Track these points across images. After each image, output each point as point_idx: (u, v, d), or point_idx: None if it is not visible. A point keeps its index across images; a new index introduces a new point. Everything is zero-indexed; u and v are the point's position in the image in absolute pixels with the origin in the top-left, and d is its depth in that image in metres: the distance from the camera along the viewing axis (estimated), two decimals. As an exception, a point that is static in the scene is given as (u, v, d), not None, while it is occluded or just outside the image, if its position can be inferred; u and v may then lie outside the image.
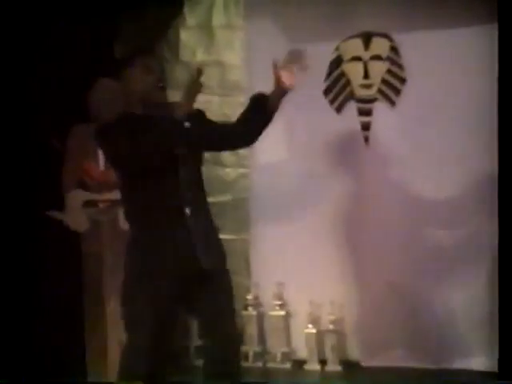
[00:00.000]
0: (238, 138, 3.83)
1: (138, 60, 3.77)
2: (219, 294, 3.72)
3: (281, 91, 3.80)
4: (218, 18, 5.34)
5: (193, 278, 3.66)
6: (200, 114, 3.80)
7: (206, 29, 5.36)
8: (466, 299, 4.73)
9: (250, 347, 5.14)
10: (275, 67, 3.78)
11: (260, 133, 3.81)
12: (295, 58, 3.81)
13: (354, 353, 5.02)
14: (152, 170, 3.62)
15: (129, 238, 3.78)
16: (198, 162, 3.79)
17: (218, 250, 3.77)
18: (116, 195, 4.81)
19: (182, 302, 3.73)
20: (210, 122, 3.85)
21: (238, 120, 3.82)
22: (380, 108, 4.97)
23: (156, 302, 3.63)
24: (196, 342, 5.13)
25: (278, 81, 3.78)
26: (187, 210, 3.63)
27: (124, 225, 4.80)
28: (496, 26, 4.30)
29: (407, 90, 4.89)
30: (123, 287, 3.74)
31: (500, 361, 4.15)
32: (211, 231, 3.77)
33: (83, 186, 5.00)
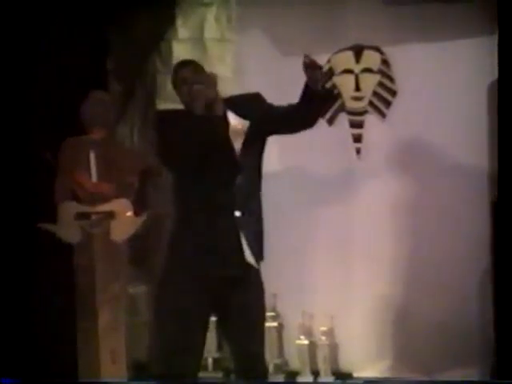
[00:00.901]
0: (298, 121, 3.88)
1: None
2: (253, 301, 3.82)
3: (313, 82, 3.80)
4: (209, 31, 5.35)
5: (230, 280, 3.69)
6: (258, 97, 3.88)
7: (198, 41, 5.38)
8: (457, 310, 4.75)
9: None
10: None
11: (318, 116, 3.90)
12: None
13: (347, 364, 5.03)
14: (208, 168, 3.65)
15: (173, 234, 3.78)
16: (257, 160, 3.84)
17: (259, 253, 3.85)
18: (108, 207, 4.86)
19: (215, 306, 3.75)
20: (270, 105, 3.92)
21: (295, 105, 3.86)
22: (371, 120, 5.02)
23: (191, 303, 3.65)
24: (214, 353, 5.17)
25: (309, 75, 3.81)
26: (237, 213, 3.67)
27: (116, 237, 4.89)
28: (489, 38, 4.38)
29: (398, 103, 4.93)
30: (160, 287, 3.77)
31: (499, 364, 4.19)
32: (258, 233, 3.82)
33: (76, 198, 5.01)
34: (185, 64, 3.85)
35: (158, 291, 3.79)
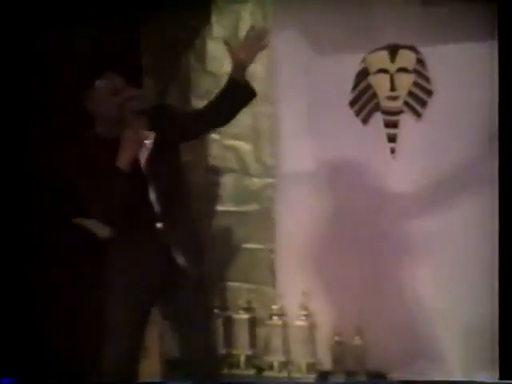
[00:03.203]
0: (211, 120, 3.89)
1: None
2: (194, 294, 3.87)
3: (239, 67, 3.82)
4: (244, 30, 5.33)
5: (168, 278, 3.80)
6: (164, 107, 3.96)
7: (233, 40, 5.36)
8: (490, 311, 4.71)
9: (275, 357, 5.15)
10: (230, 49, 3.83)
11: (233, 113, 3.86)
12: (255, 37, 3.85)
13: (380, 364, 5.02)
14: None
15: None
16: (171, 168, 3.86)
17: (195, 254, 3.88)
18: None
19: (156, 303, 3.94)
20: (177, 110, 4.02)
21: (210, 102, 3.87)
22: (406, 120, 5.00)
23: (132, 303, 3.86)
24: (247, 351, 5.18)
25: (234, 58, 3.82)
26: (159, 225, 3.75)
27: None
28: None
29: (433, 103, 4.91)
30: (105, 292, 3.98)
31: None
32: (189, 238, 3.86)
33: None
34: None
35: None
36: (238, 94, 3.81)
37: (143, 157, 3.77)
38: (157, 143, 3.78)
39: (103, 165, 3.70)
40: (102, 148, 3.75)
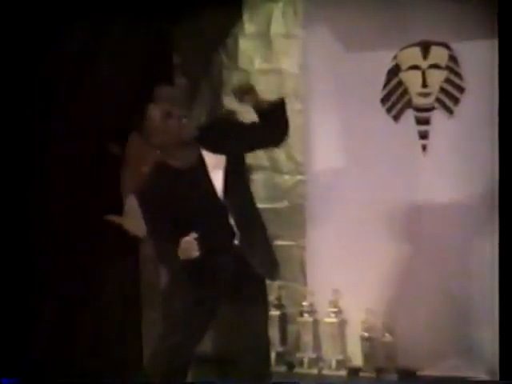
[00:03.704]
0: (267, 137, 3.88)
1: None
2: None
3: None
4: (276, 27, 5.36)
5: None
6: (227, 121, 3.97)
7: (265, 37, 5.39)
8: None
9: (305, 354, 5.16)
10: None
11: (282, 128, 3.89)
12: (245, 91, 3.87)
13: (410, 361, 5.00)
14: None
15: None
16: (244, 189, 3.89)
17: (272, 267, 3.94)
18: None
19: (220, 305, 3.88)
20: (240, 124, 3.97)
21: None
22: (438, 117, 4.98)
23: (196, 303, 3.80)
24: (278, 347, 5.20)
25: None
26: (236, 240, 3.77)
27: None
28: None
29: (466, 100, 4.89)
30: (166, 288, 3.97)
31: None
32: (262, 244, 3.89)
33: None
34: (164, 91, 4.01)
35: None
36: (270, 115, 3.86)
37: (218, 181, 3.79)
38: (229, 167, 3.80)
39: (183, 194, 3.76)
40: (178, 177, 3.78)
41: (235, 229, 3.77)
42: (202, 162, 3.77)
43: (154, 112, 3.79)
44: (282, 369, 5.19)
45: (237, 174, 3.81)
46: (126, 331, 5.16)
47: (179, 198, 3.73)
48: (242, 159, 3.89)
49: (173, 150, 3.77)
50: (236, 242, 3.77)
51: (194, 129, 3.82)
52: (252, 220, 3.87)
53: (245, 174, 3.95)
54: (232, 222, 3.77)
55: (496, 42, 4.61)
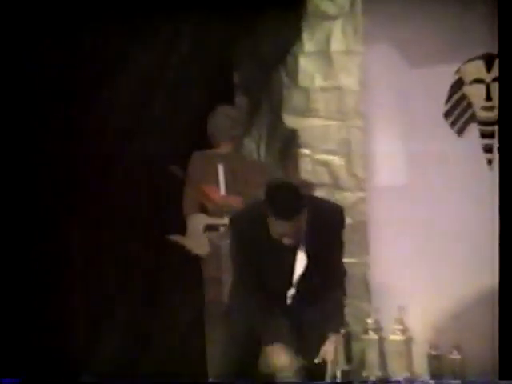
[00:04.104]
0: None
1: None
2: None
3: None
4: (336, 44, 5.37)
5: None
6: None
7: (325, 54, 5.40)
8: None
9: (371, 372, 5.09)
10: None
11: None
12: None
13: (478, 378, 4.92)
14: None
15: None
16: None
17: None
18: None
19: None
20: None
21: None
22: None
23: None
24: (343, 366, 5.11)
25: None
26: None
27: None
28: None
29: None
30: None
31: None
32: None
33: (204, 210, 5.09)
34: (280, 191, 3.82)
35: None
36: None
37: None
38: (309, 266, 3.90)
39: None
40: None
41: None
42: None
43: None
44: None
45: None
46: (190, 352, 5.16)
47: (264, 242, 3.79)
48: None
49: None
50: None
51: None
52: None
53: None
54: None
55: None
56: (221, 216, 5.01)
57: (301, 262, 3.88)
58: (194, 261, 5.10)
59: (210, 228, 5.03)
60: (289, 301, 3.95)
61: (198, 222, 5.05)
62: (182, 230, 5.11)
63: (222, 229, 5.00)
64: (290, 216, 3.66)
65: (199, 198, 5.10)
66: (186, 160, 5.17)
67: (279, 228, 3.69)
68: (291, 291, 3.93)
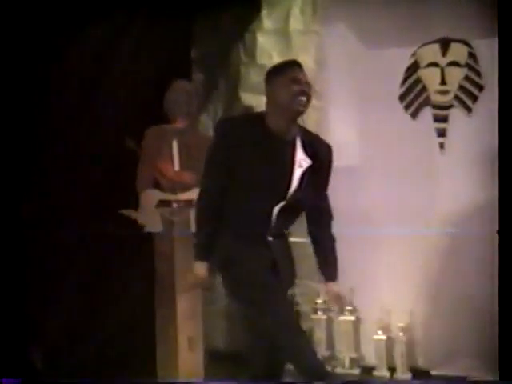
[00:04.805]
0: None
1: (288, 70, 3.70)
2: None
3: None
4: (295, 23, 5.35)
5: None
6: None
7: (283, 33, 5.38)
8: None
9: (319, 351, 5.12)
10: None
11: None
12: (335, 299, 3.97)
13: (425, 361, 4.98)
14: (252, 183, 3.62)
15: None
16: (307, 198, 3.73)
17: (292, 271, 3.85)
18: (190, 195, 4.89)
19: None
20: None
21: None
22: (456, 115, 4.95)
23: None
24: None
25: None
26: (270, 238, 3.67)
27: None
28: None
29: (484, 98, 4.85)
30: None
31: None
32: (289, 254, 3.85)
33: (157, 186, 5.06)
34: (297, 64, 3.73)
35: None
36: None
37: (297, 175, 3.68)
38: (308, 171, 3.69)
39: None
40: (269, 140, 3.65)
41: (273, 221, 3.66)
42: (294, 145, 3.66)
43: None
44: (357, 371, 5.12)
45: (309, 182, 3.70)
46: (138, 328, 5.15)
47: (254, 153, 3.59)
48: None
49: (277, 114, 3.65)
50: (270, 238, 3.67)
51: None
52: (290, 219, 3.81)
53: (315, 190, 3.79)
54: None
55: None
56: (174, 192, 4.99)
57: (300, 162, 3.67)
58: (147, 236, 5.08)
59: (162, 204, 5.00)
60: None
61: (151, 197, 5.02)
62: (136, 205, 5.08)
63: (174, 204, 4.98)
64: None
65: (153, 174, 5.07)
66: (142, 135, 5.14)
67: (295, 85, 3.59)
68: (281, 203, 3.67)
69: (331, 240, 3.89)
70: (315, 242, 3.89)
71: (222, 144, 3.65)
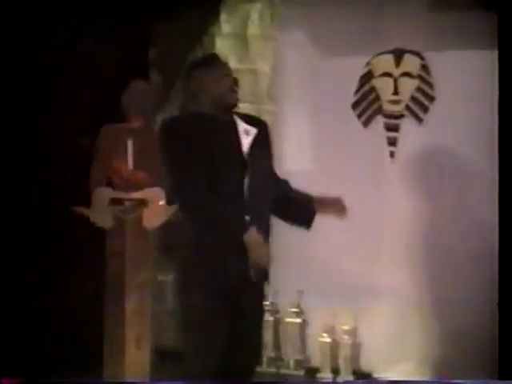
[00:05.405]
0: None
1: (216, 62, 3.80)
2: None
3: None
4: (252, 28, 5.41)
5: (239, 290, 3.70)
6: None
7: (241, 37, 5.44)
8: (478, 315, 4.77)
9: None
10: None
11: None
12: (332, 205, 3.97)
13: (368, 364, 5.05)
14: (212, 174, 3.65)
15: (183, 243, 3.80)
16: (266, 164, 3.82)
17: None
18: (142, 194, 4.93)
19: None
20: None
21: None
22: (407, 125, 5.04)
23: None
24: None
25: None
26: (247, 218, 3.65)
27: (147, 224, 4.95)
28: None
29: (435, 109, 4.95)
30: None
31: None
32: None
33: (110, 184, 5.08)
34: (219, 57, 3.85)
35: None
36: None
37: (245, 147, 3.73)
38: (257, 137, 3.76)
39: None
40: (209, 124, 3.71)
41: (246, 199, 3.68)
42: (233, 122, 3.74)
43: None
44: (301, 373, 5.17)
45: (263, 146, 3.78)
46: (88, 326, 5.16)
47: (204, 144, 3.64)
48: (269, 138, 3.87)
49: (209, 106, 3.72)
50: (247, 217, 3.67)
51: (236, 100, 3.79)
52: (263, 198, 3.79)
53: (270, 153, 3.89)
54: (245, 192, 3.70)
55: (468, 53, 4.73)
56: (127, 190, 5.00)
57: (246, 131, 3.74)
58: (98, 233, 5.09)
59: (115, 202, 5.02)
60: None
61: (103, 195, 5.03)
62: (88, 202, 5.09)
63: (126, 203, 5.01)
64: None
65: (106, 172, 5.09)
66: (97, 133, 5.15)
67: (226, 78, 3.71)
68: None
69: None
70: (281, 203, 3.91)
71: (174, 140, 3.70)
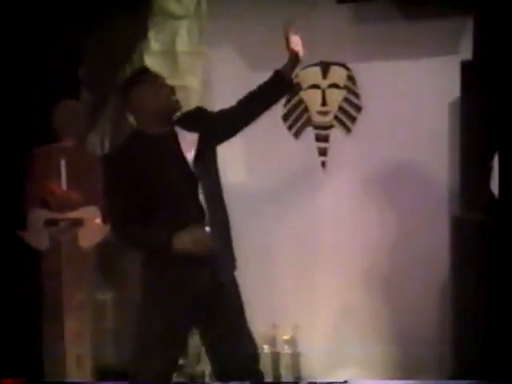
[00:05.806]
0: (246, 115, 4.05)
1: (150, 75, 3.84)
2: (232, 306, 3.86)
3: (293, 61, 4.00)
4: (181, 44, 5.43)
5: (208, 292, 3.75)
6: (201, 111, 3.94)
7: (170, 54, 5.45)
8: (417, 319, 4.86)
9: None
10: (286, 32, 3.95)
11: (268, 107, 4.04)
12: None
13: (309, 372, 5.10)
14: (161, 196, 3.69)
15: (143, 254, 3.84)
16: (213, 170, 3.91)
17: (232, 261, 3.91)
18: (77, 214, 4.92)
19: (196, 318, 3.82)
20: (212, 113, 3.98)
21: (248, 95, 4.02)
22: (337, 135, 5.13)
23: (170, 316, 3.73)
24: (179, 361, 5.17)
25: (291, 50, 3.98)
26: (207, 228, 3.71)
27: (84, 243, 4.95)
28: (452, 57, 4.53)
29: (363, 118, 5.05)
30: (141, 300, 3.85)
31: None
32: (228, 241, 3.88)
33: (45, 205, 5.06)
34: (150, 71, 3.91)
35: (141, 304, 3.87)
36: (280, 88, 3.99)
37: (190, 157, 3.79)
38: (201, 143, 3.81)
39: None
40: (151, 143, 3.77)
41: (205, 208, 3.73)
42: (174, 135, 3.79)
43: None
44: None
45: (207, 152, 3.85)
46: (26, 346, 5.12)
47: (151, 166, 3.69)
48: (213, 142, 3.93)
49: (151, 120, 3.77)
50: (207, 228, 3.73)
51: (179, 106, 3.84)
52: (218, 203, 3.89)
53: (214, 156, 3.96)
54: (202, 200, 3.74)
55: (393, 63, 4.83)
56: (61, 211, 4.99)
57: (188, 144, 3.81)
58: (34, 254, 5.06)
59: (50, 222, 5.00)
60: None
61: (38, 216, 5.02)
62: (23, 224, 5.07)
63: (62, 223, 4.99)
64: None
65: (40, 193, 5.07)
66: (29, 154, 5.13)
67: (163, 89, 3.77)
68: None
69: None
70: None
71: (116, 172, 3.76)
